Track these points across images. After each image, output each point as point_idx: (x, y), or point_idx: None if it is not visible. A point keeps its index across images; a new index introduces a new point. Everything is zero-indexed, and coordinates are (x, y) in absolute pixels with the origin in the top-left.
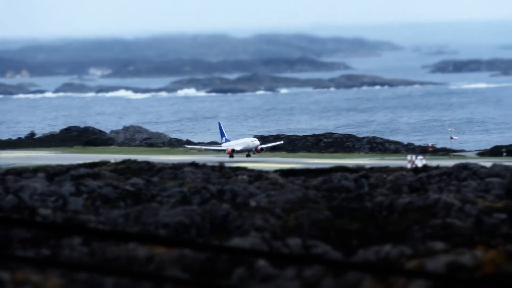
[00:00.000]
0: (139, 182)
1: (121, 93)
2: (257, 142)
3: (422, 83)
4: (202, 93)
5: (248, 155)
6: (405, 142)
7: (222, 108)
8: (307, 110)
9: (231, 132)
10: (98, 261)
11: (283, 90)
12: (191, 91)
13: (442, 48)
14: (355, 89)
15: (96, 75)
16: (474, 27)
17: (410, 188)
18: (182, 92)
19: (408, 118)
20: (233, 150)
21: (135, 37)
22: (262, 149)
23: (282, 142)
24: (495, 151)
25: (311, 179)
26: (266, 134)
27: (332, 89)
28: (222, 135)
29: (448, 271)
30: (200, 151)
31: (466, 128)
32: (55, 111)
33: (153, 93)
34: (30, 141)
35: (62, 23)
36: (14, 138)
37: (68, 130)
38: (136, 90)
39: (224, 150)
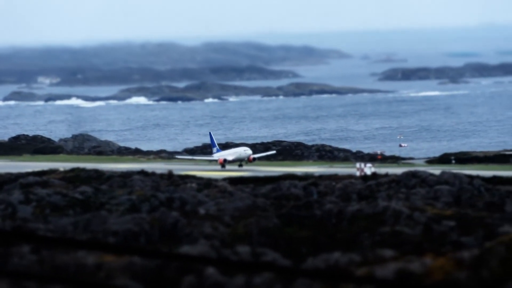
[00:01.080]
0: (88, 190)
1: (71, 101)
2: (249, 151)
3: (370, 91)
4: (151, 102)
5: (240, 165)
6: (354, 150)
7: (172, 117)
8: (256, 118)
9: (185, 140)
10: (47, 269)
11: (232, 98)
12: (140, 99)
13: (391, 56)
14: (303, 97)
15: (44, 83)
16: (423, 35)
17: (359, 196)
18: (131, 101)
19: (357, 126)
20: (225, 160)
21: (83, 46)
22: (254, 159)
23: (274, 152)
24: (444, 159)
25: (260, 187)
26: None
27: (281, 97)
28: (214, 145)
29: (397, 279)
30: (149, 160)
31: (415, 136)
32: (3, 119)
33: (102, 102)
34: None
35: (9, 31)
36: None
37: (17, 138)
38: (85, 99)
39: (216, 161)
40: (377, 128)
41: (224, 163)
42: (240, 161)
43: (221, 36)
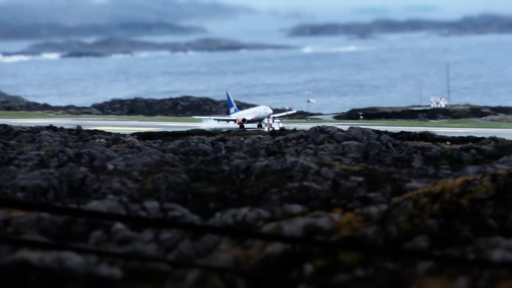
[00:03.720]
0: None
1: None
2: (269, 110)
3: (278, 47)
4: (59, 57)
5: (260, 125)
6: None
7: (81, 72)
8: (165, 74)
9: (96, 94)
10: None
11: (140, 54)
12: (48, 55)
13: (299, 12)
14: (212, 53)
15: None
16: None
17: (267, 151)
18: (39, 56)
19: (265, 81)
20: (244, 120)
21: None
22: (274, 118)
23: (294, 111)
24: (352, 114)
25: (168, 143)
26: (124, 98)
27: (190, 52)
28: (231, 105)
29: (305, 234)
30: (57, 115)
31: (323, 91)
32: None
33: (11, 57)
34: None
35: None
36: None
37: None
38: None
39: (234, 120)
40: (285, 84)
41: (243, 123)
42: (259, 121)
43: None
